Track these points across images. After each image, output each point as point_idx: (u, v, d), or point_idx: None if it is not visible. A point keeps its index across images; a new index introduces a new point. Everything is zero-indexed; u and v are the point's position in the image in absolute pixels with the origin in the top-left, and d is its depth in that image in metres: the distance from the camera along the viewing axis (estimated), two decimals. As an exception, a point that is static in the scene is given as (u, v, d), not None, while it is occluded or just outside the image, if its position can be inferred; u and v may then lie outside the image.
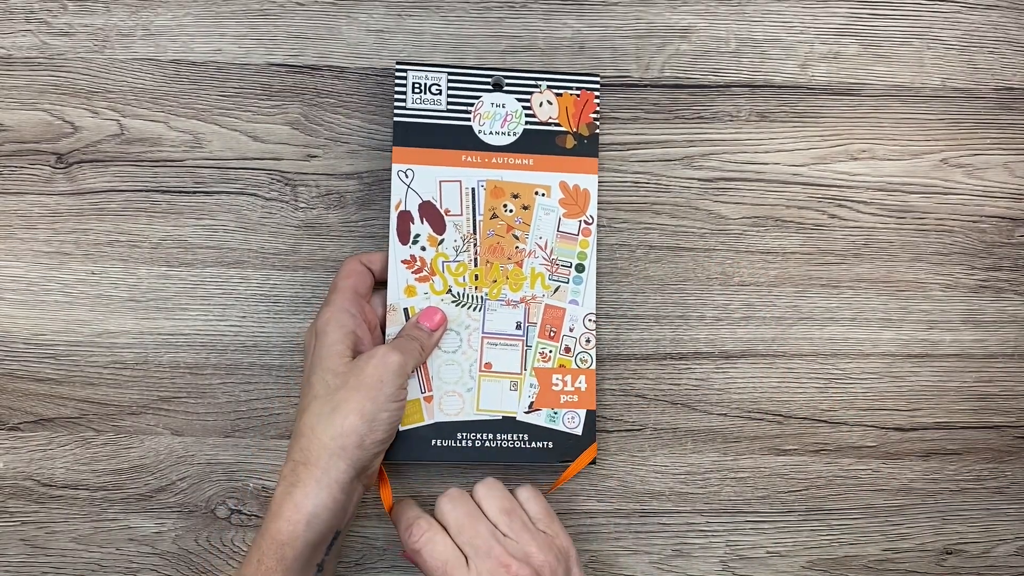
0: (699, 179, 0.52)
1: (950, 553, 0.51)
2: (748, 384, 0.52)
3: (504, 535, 0.44)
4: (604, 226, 0.52)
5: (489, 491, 0.46)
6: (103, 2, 0.52)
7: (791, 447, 0.52)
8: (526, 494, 0.47)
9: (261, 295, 0.51)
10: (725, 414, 0.52)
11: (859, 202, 0.52)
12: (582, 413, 0.50)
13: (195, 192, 0.52)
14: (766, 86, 0.52)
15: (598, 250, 0.52)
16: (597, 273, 0.52)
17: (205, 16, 0.52)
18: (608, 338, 0.52)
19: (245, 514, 0.51)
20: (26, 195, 0.52)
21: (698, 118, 0.52)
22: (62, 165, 0.52)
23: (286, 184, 0.52)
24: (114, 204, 0.52)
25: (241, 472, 0.51)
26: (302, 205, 0.52)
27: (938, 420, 0.52)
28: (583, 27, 0.52)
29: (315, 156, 0.52)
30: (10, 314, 0.51)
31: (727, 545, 0.51)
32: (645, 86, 0.52)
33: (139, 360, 0.51)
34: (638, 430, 0.51)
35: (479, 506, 0.45)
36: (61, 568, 0.51)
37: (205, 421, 0.51)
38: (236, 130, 0.52)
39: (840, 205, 0.52)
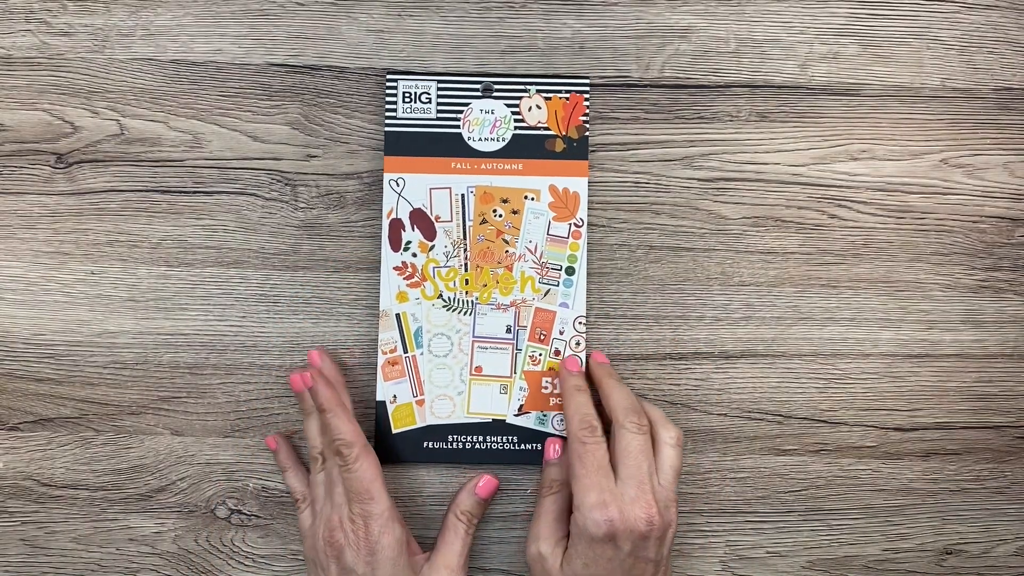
0: (699, 179, 0.52)
1: (950, 553, 0.51)
2: (748, 384, 0.52)
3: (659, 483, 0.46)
4: (604, 226, 0.52)
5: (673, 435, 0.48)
6: (103, 2, 0.52)
7: (791, 447, 0.52)
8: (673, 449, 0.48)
9: (261, 295, 0.51)
10: (725, 414, 0.52)
11: (859, 202, 0.52)
12: None
13: (195, 192, 0.52)
14: (766, 86, 0.52)
15: (598, 251, 0.52)
16: (597, 274, 0.52)
17: (205, 16, 0.52)
18: (608, 338, 0.52)
19: (245, 514, 0.51)
20: (26, 195, 0.52)
21: (698, 118, 0.52)
22: (62, 165, 0.52)
23: (286, 184, 0.52)
24: (114, 204, 0.52)
25: (241, 472, 0.51)
26: (302, 205, 0.52)
27: (938, 420, 0.52)
28: (583, 27, 0.52)
29: (315, 156, 0.52)
30: (10, 314, 0.51)
31: (727, 545, 0.51)
32: (645, 86, 0.52)
33: (139, 360, 0.51)
34: (638, 430, 0.51)
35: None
36: (61, 568, 0.51)
37: (205, 421, 0.51)
38: (236, 130, 0.52)
39: (840, 205, 0.52)
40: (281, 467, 0.50)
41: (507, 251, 0.51)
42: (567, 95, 0.51)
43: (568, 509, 0.47)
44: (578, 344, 0.50)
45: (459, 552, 0.48)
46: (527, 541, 0.47)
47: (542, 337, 0.50)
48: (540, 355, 0.50)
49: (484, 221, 0.51)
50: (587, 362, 0.50)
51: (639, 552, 0.44)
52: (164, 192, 0.52)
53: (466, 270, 0.51)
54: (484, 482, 0.49)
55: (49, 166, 0.52)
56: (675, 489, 0.47)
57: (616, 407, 0.47)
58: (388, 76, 0.51)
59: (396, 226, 0.50)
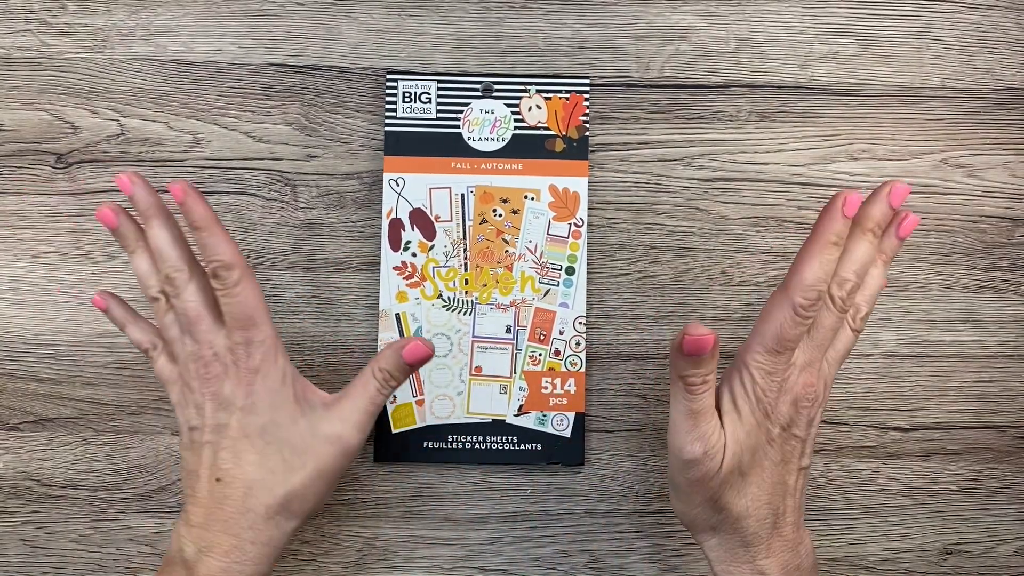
0: (699, 179, 0.52)
1: (950, 553, 0.51)
2: (748, 384, 0.52)
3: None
4: (604, 226, 0.52)
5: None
6: (103, 2, 0.52)
7: (791, 447, 0.51)
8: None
9: (261, 295, 0.51)
10: (725, 414, 0.52)
11: (859, 202, 0.52)
12: (571, 416, 0.50)
13: (195, 192, 0.52)
14: (766, 86, 0.52)
15: (598, 251, 0.52)
16: (597, 273, 0.52)
17: (205, 16, 0.52)
18: (608, 338, 0.52)
19: (245, 514, 0.51)
20: (26, 195, 0.52)
21: (698, 118, 0.52)
22: (62, 165, 0.52)
23: (286, 184, 0.52)
24: (114, 204, 0.52)
25: (241, 472, 0.51)
26: (302, 205, 0.52)
27: (938, 420, 0.52)
28: (583, 27, 0.52)
29: (315, 156, 0.52)
30: (10, 314, 0.51)
31: (727, 545, 0.51)
32: (645, 86, 0.52)
33: (139, 360, 0.51)
34: (638, 430, 0.51)
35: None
36: (61, 568, 0.51)
37: (205, 421, 0.51)
38: (236, 130, 0.52)
39: (840, 205, 0.52)
40: (119, 324, 0.46)
41: (507, 251, 0.51)
42: (567, 95, 0.51)
43: (714, 402, 0.42)
44: (578, 344, 0.50)
45: (363, 409, 0.43)
46: (682, 443, 0.41)
47: (542, 337, 0.50)
48: (540, 355, 0.50)
49: (484, 221, 0.51)
50: (875, 196, 0.42)
51: (791, 428, 0.41)
52: (164, 192, 0.52)
53: (466, 270, 0.51)
54: (411, 347, 0.43)
55: (49, 166, 0.52)
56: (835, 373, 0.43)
57: (841, 270, 0.41)
58: (388, 76, 0.51)
59: (396, 226, 0.50)
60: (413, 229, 0.51)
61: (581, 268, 0.51)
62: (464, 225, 0.51)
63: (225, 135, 0.52)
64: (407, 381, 0.50)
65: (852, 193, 0.40)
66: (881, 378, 0.52)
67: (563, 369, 0.50)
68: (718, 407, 0.42)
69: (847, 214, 0.40)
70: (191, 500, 0.43)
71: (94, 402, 0.51)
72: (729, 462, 0.40)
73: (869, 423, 0.52)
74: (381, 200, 0.51)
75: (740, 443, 0.41)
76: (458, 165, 0.51)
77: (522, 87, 0.51)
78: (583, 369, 0.50)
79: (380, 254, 0.51)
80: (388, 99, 0.51)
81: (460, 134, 0.51)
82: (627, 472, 0.51)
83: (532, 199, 0.51)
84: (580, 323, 0.51)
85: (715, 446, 0.40)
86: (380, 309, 0.50)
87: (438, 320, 0.50)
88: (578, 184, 0.51)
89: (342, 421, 0.43)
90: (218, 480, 0.42)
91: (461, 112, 0.51)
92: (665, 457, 0.51)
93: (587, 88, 0.51)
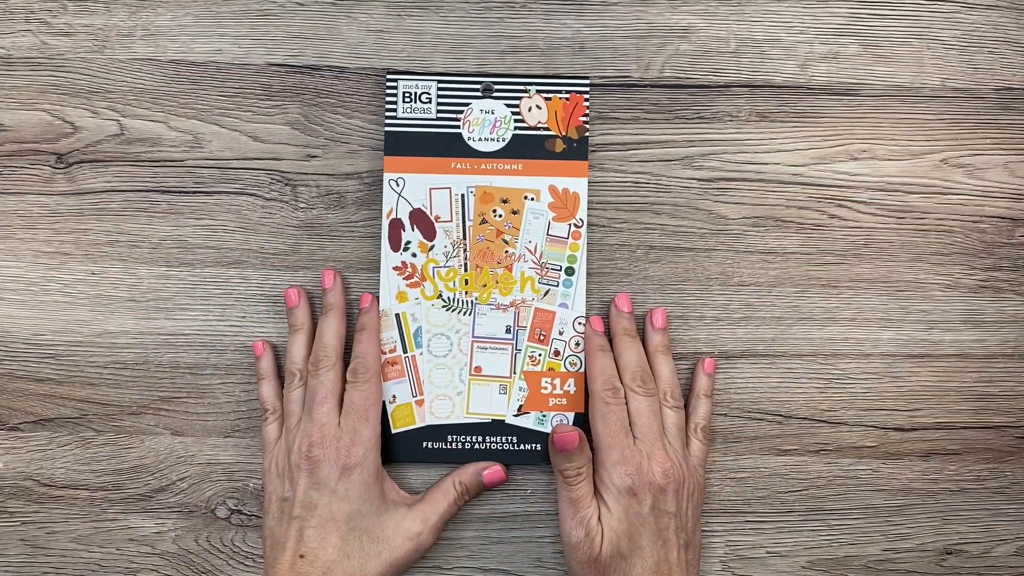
0: (699, 179, 0.52)
1: (950, 553, 0.51)
2: (748, 384, 0.52)
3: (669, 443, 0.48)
4: (604, 226, 0.52)
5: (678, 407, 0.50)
6: (103, 2, 0.52)
7: (791, 447, 0.52)
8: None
9: (261, 295, 0.51)
10: (725, 414, 0.52)
11: (859, 202, 0.52)
12: (571, 416, 0.50)
13: (195, 192, 0.52)
14: (766, 86, 0.52)
15: (598, 251, 0.52)
16: (597, 274, 0.52)
17: (205, 16, 0.52)
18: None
19: (245, 514, 0.51)
20: (26, 195, 0.52)
21: (698, 118, 0.52)
22: (62, 165, 0.52)
23: (286, 184, 0.52)
24: (114, 204, 0.52)
25: (241, 472, 0.51)
26: (302, 205, 0.52)
27: (938, 420, 0.52)
28: (583, 27, 0.52)
29: (315, 156, 0.52)
30: (10, 314, 0.51)
31: (727, 545, 0.51)
32: (645, 86, 0.52)
33: (139, 360, 0.51)
34: (638, 430, 0.51)
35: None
36: (61, 568, 0.51)
37: (205, 421, 0.51)
38: (236, 130, 0.52)
39: (840, 205, 0.52)
40: (259, 375, 0.50)
41: (507, 251, 0.51)
42: (567, 95, 0.51)
43: (593, 492, 0.47)
44: (577, 345, 0.50)
45: (440, 514, 0.48)
46: (568, 528, 0.46)
47: (541, 337, 0.50)
48: (539, 355, 0.50)
49: (484, 221, 0.51)
50: (609, 310, 0.51)
51: (660, 506, 0.46)
52: (164, 192, 0.52)
53: (466, 270, 0.51)
54: (492, 471, 0.50)
55: (49, 166, 0.52)
56: (684, 445, 0.49)
57: (624, 370, 0.49)
58: (388, 76, 0.51)
59: (396, 226, 0.51)
60: (413, 229, 0.51)
61: (581, 268, 0.51)
62: (464, 225, 0.51)
63: (225, 135, 0.52)
64: (407, 380, 0.50)
65: (594, 318, 0.50)
66: (881, 378, 0.52)
67: (563, 369, 0.50)
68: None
69: (596, 329, 0.50)
70: (271, 570, 0.46)
71: (94, 402, 0.51)
72: (607, 546, 0.45)
73: (869, 423, 0.52)
74: (381, 200, 0.51)
75: (614, 530, 0.46)
76: (458, 165, 0.51)
77: (522, 87, 0.51)
78: (583, 369, 0.50)
79: (380, 254, 0.51)
80: (388, 99, 0.51)
81: (460, 134, 0.51)
82: (627, 472, 0.51)
83: (532, 199, 0.51)
84: (580, 323, 0.51)
85: (594, 529, 0.46)
86: (380, 309, 0.50)
87: (438, 320, 0.50)
88: (578, 184, 0.51)
89: (423, 522, 0.48)
90: (302, 556, 0.45)
91: (461, 112, 0.51)
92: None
93: (587, 88, 0.51)
